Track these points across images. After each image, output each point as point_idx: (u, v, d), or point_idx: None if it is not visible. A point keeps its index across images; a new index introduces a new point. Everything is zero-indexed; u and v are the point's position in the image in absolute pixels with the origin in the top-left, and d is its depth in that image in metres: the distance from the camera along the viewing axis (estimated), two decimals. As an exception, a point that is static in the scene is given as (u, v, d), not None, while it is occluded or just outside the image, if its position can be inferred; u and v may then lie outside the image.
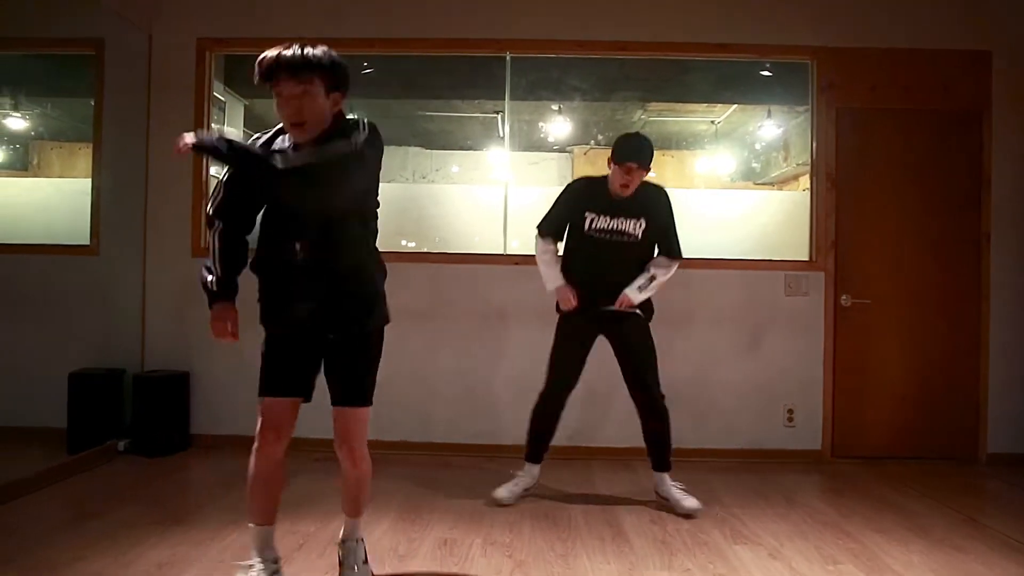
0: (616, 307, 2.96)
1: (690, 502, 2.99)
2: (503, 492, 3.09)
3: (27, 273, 4.02)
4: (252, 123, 6.35)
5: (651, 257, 3.07)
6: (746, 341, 3.97)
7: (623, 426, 3.74)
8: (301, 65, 1.83)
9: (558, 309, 3.13)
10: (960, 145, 3.99)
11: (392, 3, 4.07)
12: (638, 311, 3.02)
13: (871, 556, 2.56)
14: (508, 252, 4.09)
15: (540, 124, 7.69)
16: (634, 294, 2.96)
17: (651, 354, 3.04)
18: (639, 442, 3.83)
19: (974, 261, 3.97)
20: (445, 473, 3.59)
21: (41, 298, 4.02)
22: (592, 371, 3.12)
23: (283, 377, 2.02)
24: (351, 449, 2.07)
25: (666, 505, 3.04)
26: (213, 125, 4.25)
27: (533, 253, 4.05)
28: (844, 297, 3.96)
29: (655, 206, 3.01)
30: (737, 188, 7.87)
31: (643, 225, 2.98)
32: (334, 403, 2.06)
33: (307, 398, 2.06)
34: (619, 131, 8.21)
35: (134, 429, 3.85)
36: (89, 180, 4.12)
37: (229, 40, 4.11)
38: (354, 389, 2.06)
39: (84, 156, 7.03)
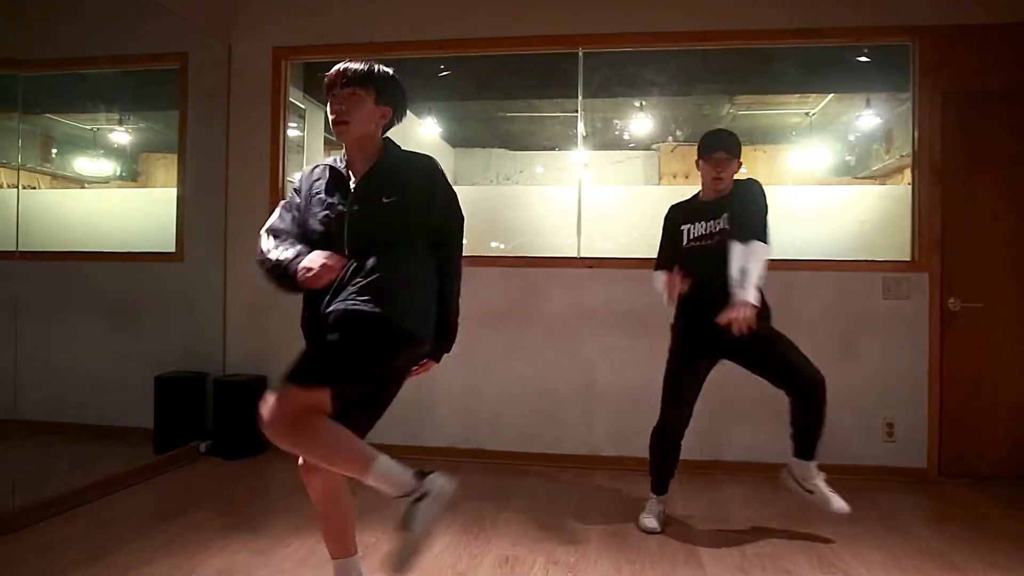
0: (739, 332, 2.48)
1: (839, 503, 2.72)
2: (648, 521, 2.84)
3: (120, 280, 4.21)
4: (330, 131, 6.49)
5: None
6: (840, 348, 3.66)
7: (704, 437, 3.54)
8: (354, 72, 1.93)
9: (673, 334, 2.90)
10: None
11: (460, 4, 4.00)
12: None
13: (981, 595, 2.28)
14: (581, 255, 3.95)
15: (621, 121, 7.48)
16: (746, 297, 2.49)
17: (790, 347, 2.72)
18: (722, 455, 3.63)
19: (1108, 259, 3.52)
20: (515, 483, 3.49)
21: (133, 304, 4.20)
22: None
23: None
24: None
25: (806, 499, 2.78)
26: (290, 131, 4.33)
27: (607, 256, 3.95)
28: (952, 301, 3.59)
29: (739, 197, 2.75)
30: (834, 183, 7.40)
31: (726, 218, 2.71)
32: None
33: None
34: (706, 126, 7.95)
35: (215, 431, 3.95)
36: (175, 189, 4.28)
37: (303, 48, 4.17)
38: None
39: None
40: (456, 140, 9.13)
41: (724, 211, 2.75)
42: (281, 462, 3.80)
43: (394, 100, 2.00)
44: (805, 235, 3.95)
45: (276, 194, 4.11)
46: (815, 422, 2.73)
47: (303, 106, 5.07)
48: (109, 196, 6.17)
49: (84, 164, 7.97)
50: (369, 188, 1.92)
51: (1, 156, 7.30)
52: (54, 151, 7.66)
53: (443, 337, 2.06)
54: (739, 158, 2.80)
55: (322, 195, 1.97)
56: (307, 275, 1.80)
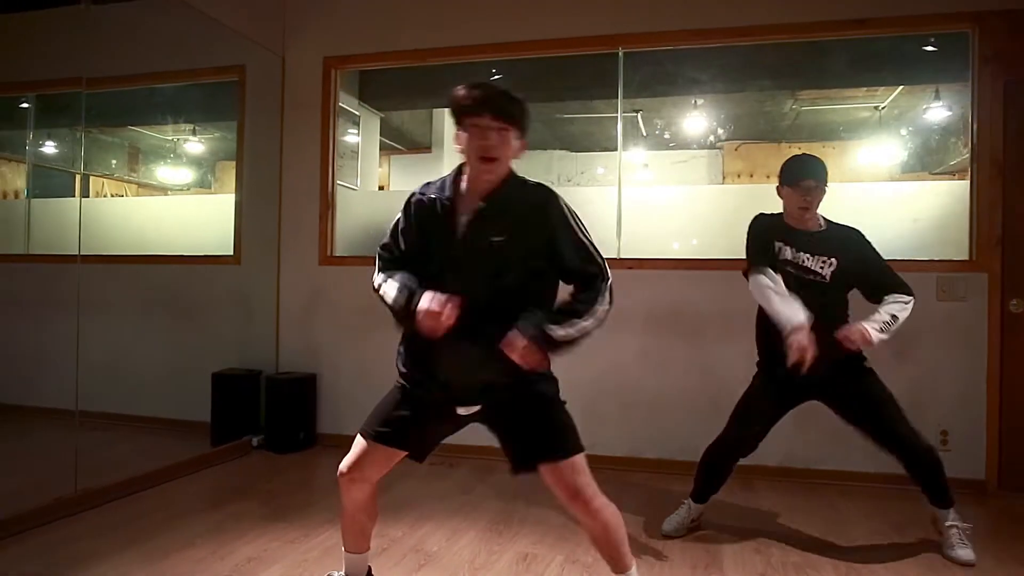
0: (846, 342, 2.51)
1: (964, 552, 2.55)
2: (670, 525, 2.83)
3: (182, 282, 4.46)
4: (388, 134, 6.67)
5: (842, 306, 2.68)
6: (890, 353, 3.49)
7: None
8: (508, 104, 1.76)
9: (762, 354, 2.76)
10: None
11: (500, 9, 4.05)
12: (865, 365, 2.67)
13: (1019, 614, 2.15)
14: (621, 256, 3.93)
15: (679, 120, 7.36)
16: (874, 332, 2.50)
17: (891, 401, 2.62)
18: (762, 460, 3.58)
19: None
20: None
21: (194, 304, 4.45)
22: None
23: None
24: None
25: (939, 540, 2.67)
26: (347, 137, 4.49)
27: (647, 256, 3.91)
28: (1014, 302, 3.38)
29: (849, 245, 2.64)
30: (908, 180, 7.06)
31: (833, 266, 2.59)
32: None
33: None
34: (768, 124, 7.79)
35: (267, 426, 4.14)
36: (233, 196, 4.50)
37: (352, 57, 4.31)
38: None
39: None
40: (516, 142, 9.19)
41: (833, 255, 2.61)
42: (326, 457, 3.96)
43: (527, 132, 1.84)
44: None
45: (326, 200, 4.27)
46: (930, 480, 2.64)
47: (358, 113, 5.24)
48: (174, 202, 6.53)
49: (166, 173, 8.49)
50: (479, 225, 1.78)
51: (96, 167, 7.86)
52: (139, 161, 8.19)
53: None
54: (825, 187, 2.62)
55: (430, 227, 1.84)
56: (427, 325, 1.70)
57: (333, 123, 4.33)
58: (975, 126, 3.49)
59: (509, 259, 1.76)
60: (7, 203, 5.62)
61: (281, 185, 4.36)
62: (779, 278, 2.56)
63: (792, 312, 2.44)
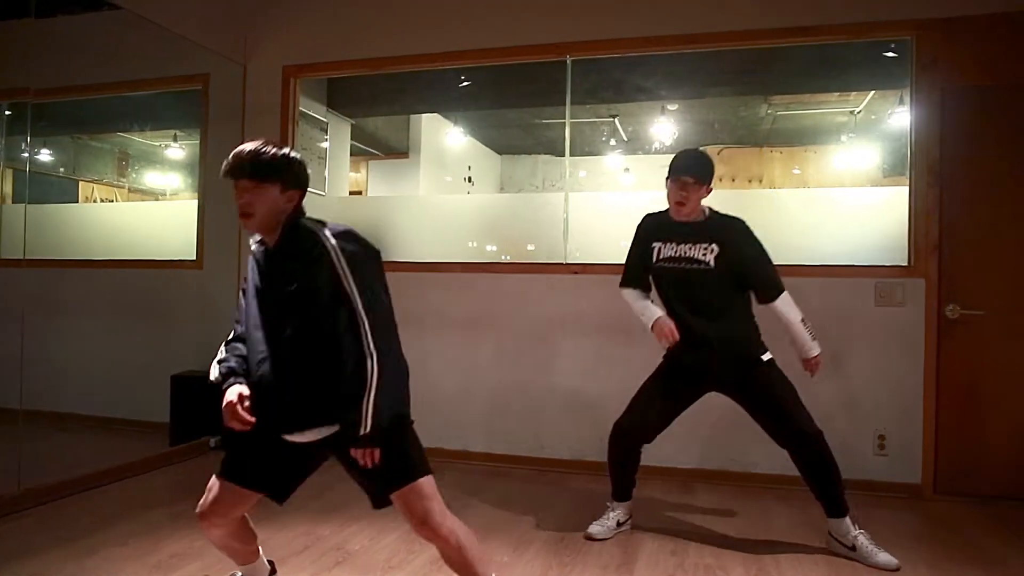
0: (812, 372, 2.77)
1: (885, 557, 2.56)
2: (595, 528, 2.86)
3: (147, 285, 4.55)
4: (363, 140, 6.75)
5: (732, 291, 2.73)
6: (829, 357, 3.52)
7: (681, 443, 3.53)
8: (252, 166, 1.87)
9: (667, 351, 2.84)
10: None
11: (453, 18, 4.12)
12: (763, 357, 2.73)
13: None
14: (568, 261, 3.98)
15: (655, 126, 7.39)
16: (813, 348, 2.73)
17: (790, 395, 2.68)
18: (701, 463, 3.62)
19: None
20: (490, 484, 3.57)
21: (157, 308, 4.54)
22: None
23: None
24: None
25: (848, 555, 2.62)
26: (316, 143, 4.57)
27: (593, 261, 3.96)
28: (950, 308, 3.41)
29: (730, 233, 2.72)
30: (887, 183, 7.06)
31: (715, 251, 2.68)
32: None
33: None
34: (747, 129, 7.80)
35: (225, 427, 4.20)
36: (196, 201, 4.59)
37: (311, 65, 4.39)
38: None
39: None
40: (501, 147, 9.28)
41: (708, 239, 2.70)
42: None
43: (298, 180, 1.90)
44: (797, 240, 3.83)
45: (284, 204, 4.34)
46: (823, 476, 2.66)
47: (326, 120, 5.32)
48: (143, 208, 6.64)
49: (153, 178, 8.61)
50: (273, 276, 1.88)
51: (87, 173, 7.98)
52: (128, 166, 8.30)
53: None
54: (708, 185, 2.70)
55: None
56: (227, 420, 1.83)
57: (293, 130, 4.41)
58: (913, 133, 3.52)
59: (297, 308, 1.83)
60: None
61: (242, 191, 4.44)
62: (638, 293, 2.86)
63: (650, 312, 2.79)
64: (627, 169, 8.66)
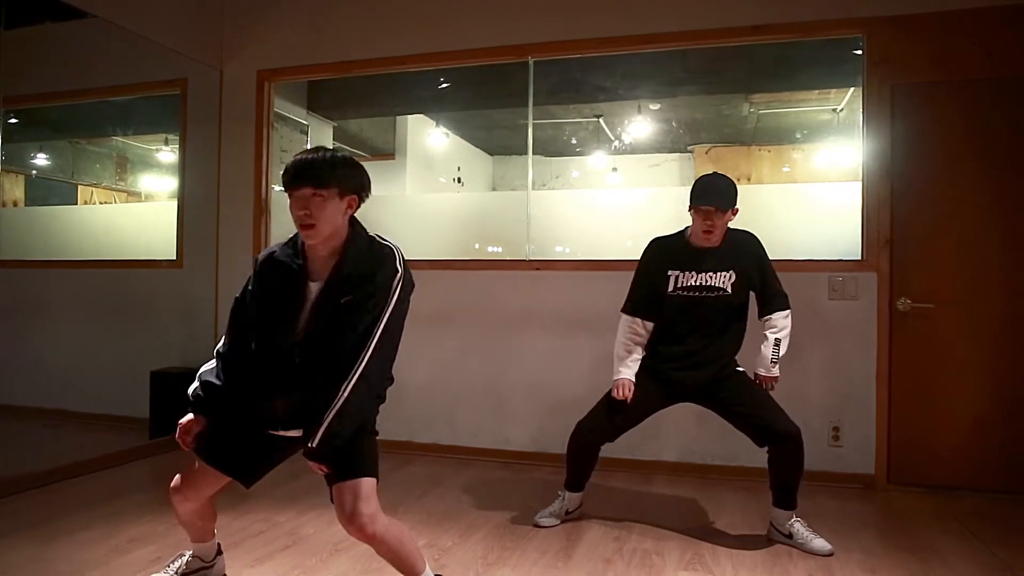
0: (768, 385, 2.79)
1: (820, 543, 2.63)
2: (544, 516, 2.94)
3: (128, 285, 4.68)
4: (348, 141, 6.87)
5: (737, 312, 2.80)
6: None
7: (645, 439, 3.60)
8: (313, 173, 1.89)
9: (649, 356, 2.88)
10: (1057, 118, 3.33)
11: (419, 22, 4.21)
12: (738, 368, 2.83)
13: (828, 596, 2.25)
14: (530, 258, 4.06)
15: (644, 125, 7.46)
16: (775, 370, 2.77)
17: (767, 398, 2.76)
18: (661, 455, 3.68)
19: (1076, 257, 3.29)
20: (452, 475, 3.65)
21: (139, 306, 4.67)
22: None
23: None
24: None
25: (785, 542, 2.71)
26: (296, 145, 4.69)
27: (551, 258, 4.04)
28: (902, 301, 3.46)
29: (747, 253, 2.76)
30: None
31: (733, 278, 2.72)
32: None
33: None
34: (733, 127, 7.84)
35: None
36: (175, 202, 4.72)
37: (283, 69, 4.50)
38: None
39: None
40: (492, 148, 9.37)
41: (727, 267, 2.73)
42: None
43: (358, 184, 1.94)
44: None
45: (259, 205, 4.46)
46: (795, 472, 2.72)
47: (306, 122, 5.44)
48: (126, 210, 6.79)
49: (150, 182, 8.77)
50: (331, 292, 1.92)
51: (85, 177, 8.15)
52: (126, 170, 8.46)
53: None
54: (733, 207, 2.68)
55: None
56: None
57: (267, 132, 4.52)
58: (864, 128, 3.58)
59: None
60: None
61: (219, 191, 4.56)
62: (637, 327, 2.81)
63: (623, 368, 2.79)
64: (615, 169, 8.73)
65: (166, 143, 7.36)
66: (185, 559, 2.28)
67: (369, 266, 1.91)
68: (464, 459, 3.97)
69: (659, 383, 2.80)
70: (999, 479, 3.34)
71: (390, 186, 7.22)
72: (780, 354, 2.76)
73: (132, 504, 3.11)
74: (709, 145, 8.67)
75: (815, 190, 4.65)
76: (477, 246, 4.60)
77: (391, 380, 2.03)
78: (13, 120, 5.81)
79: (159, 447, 4.09)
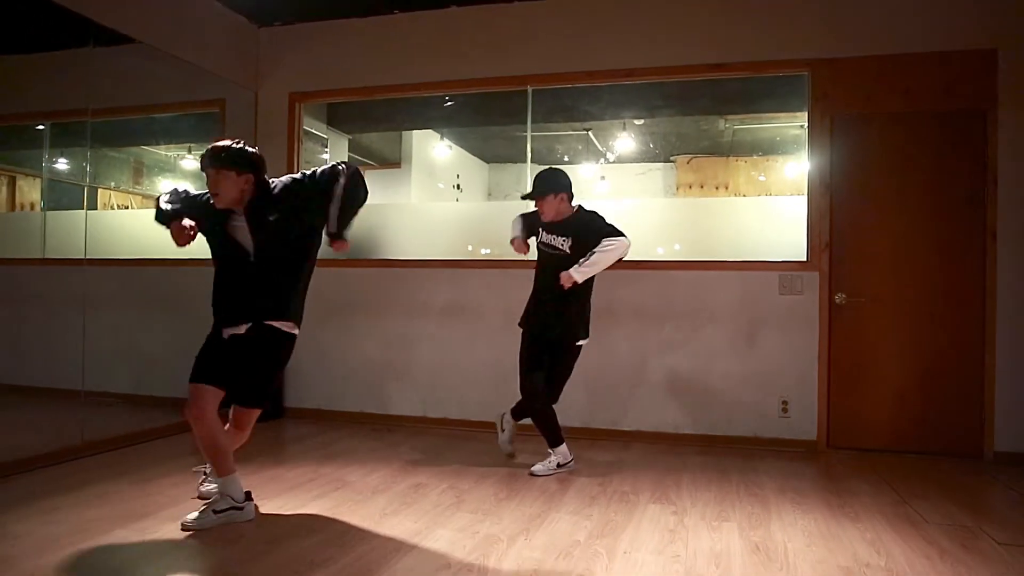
0: (564, 281, 3.48)
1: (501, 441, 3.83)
2: (538, 467, 3.61)
3: (177, 281, 5.28)
4: (360, 152, 7.52)
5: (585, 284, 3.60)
6: (742, 336, 4.29)
7: (630, 410, 4.28)
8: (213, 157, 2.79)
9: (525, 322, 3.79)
10: (964, 144, 4.03)
11: (432, 55, 4.87)
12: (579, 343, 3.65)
13: (762, 520, 2.92)
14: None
15: (630, 138, 8.15)
16: (575, 273, 3.46)
17: (565, 373, 3.72)
18: (634, 426, 4.32)
19: (979, 259, 3.99)
20: (461, 444, 4.30)
21: (185, 299, 5.27)
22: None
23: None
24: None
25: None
26: (317, 156, 5.32)
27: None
28: (839, 296, 4.15)
29: (581, 224, 3.57)
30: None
31: (570, 241, 3.55)
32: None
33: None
34: (711, 140, 8.55)
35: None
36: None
37: (313, 93, 5.15)
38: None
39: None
40: (489, 156, 10.04)
41: (566, 234, 3.55)
42: (291, 425, 4.77)
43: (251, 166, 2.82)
44: (720, 240, 4.58)
45: (291, 211, 5.09)
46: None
47: (326, 136, 6.09)
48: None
49: (165, 186, 9.37)
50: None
51: (105, 181, 8.75)
52: (143, 175, 9.05)
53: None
54: (551, 194, 3.56)
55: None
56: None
57: (297, 147, 5.16)
58: (809, 151, 4.27)
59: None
60: (28, 214, 6.44)
61: (255, 199, 5.19)
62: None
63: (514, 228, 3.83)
64: (603, 177, 9.40)
65: (189, 151, 7.99)
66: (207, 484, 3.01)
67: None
68: (468, 431, 4.61)
69: (531, 339, 3.70)
70: (916, 442, 4.04)
71: (397, 192, 7.87)
72: (589, 264, 3.44)
73: (199, 461, 3.74)
74: (690, 156, 9.38)
75: (769, 202, 5.34)
76: (486, 251, 5.25)
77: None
78: (39, 127, 6.46)
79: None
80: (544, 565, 2.42)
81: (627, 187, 9.76)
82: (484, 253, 5.18)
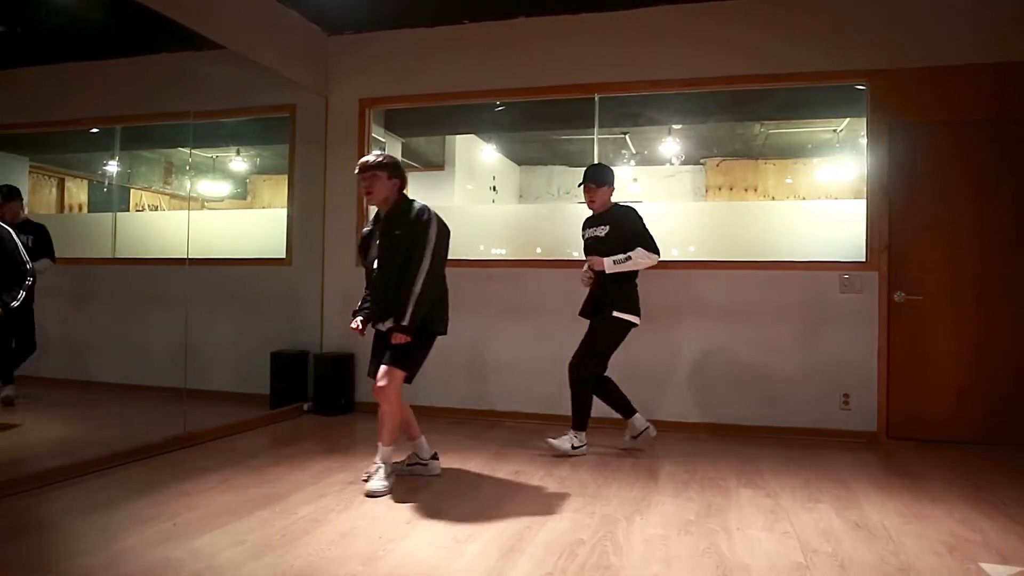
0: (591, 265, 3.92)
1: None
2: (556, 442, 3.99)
3: (245, 279, 5.48)
4: (407, 155, 7.72)
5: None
6: (805, 333, 4.51)
7: (696, 403, 4.50)
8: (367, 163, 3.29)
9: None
10: (1014, 151, 4.26)
11: (502, 61, 5.08)
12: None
13: (851, 502, 3.14)
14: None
15: (663, 141, 8.37)
16: (607, 263, 3.85)
17: (593, 341, 3.97)
18: (699, 418, 4.53)
19: (1033, 258, 4.23)
20: (538, 436, 4.50)
21: (254, 298, 5.48)
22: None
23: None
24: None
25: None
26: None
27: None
28: (898, 294, 4.37)
29: (616, 217, 3.95)
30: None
31: (607, 230, 3.93)
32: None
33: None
34: (743, 144, 8.78)
35: (315, 395, 5.16)
36: (285, 209, 5.55)
37: (382, 98, 5.36)
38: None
39: (286, 186, 8.88)
40: (521, 159, 10.26)
41: (605, 224, 3.94)
42: (362, 419, 4.98)
43: (399, 173, 3.31)
44: (781, 242, 4.81)
45: (362, 214, 5.30)
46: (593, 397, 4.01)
47: (384, 140, 6.29)
48: (242, 215, 7.61)
49: (205, 186, 9.59)
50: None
51: (139, 182, 8.95)
52: (172, 175, 9.26)
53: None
54: (606, 186, 3.99)
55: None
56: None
57: (368, 150, 5.36)
58: (869, 157, 4.49)
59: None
60: (99, 216, 6.60)
61: (325, 201, 5.40)
62: None
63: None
64: (635, 179, 9.62)
65: (237, 153, 8.19)
66: (377, 466, 3.24)
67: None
68: (538, 424, 4.81)
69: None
70: (975, 433, 4.26)
71: (440, 193, 8.07)
72: (621, 262, 3.84)
73: (300, 451, 3.95)
74: (720, 158, 9.62)
75: (823, 206, 5.57)
76: (539, 250, 5.47)
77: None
78: (95, 130, 6.66)
79: (284, 415, 4.92)
80: (670, 540, 2.63)
81: (657, 188, 9.98)
82: (538, 252, 5.40)
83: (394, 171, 3.28)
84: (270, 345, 5.25)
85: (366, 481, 3.22)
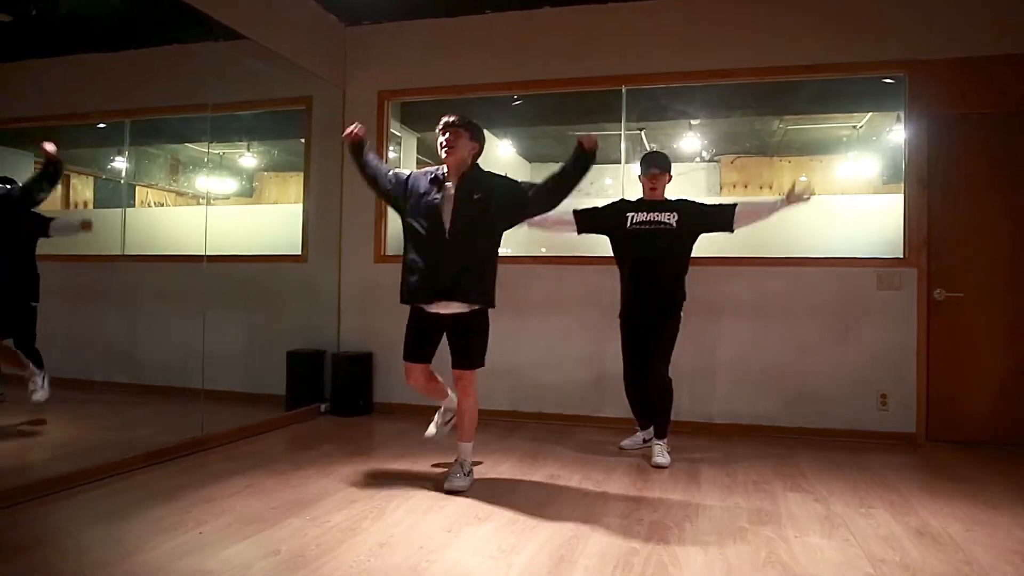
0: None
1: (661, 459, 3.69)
2: (627, 442, 4.02)
3: (259, 277, 5.33)
4: (424, 152, 7.57)
5: (686, 250, 3.80)
6: (841, 331, 4.37)
7: (726, 403, 4.36)
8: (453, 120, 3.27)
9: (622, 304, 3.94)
10: (1061, 143, 4.13)
11: (525, 53, 4.94)
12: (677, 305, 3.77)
13: (906, 507, 3.00)
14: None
15: (680, 137, 8.23)
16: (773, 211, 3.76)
17: (667, 340, 3.77)
18: (730, 419, 4.40)
19: (1076, 255, 4.09)
20: (566, 437, 4.37)
21: (268, 295, 5.32)
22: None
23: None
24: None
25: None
26: (391, 154, 5.40)
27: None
28: (937, 291, 4.24)
29: (684, 205, 3.82)
30: (887, 191, 7.87)
31: (676, 217, 3.75)
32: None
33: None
34: (760, 140, 8.64)
35: (332, 396, 5.02)
36: (300, 204, 5.40)
37: (402, 90, 5.22)
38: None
39: (293, 183, 8.70)
40: (532, 156, 10.10)
41: (672, 210, 3.76)
42: (381, 419, 4.84)
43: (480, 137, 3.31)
44: (815, 238, 4.68)
45: (379, 207, 5.15)
46: (661, 409, 3.77)
47: (400, 134, 6.14)
48: (253, 211, 7.47)
49: (208, 183, 9.40)
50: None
51: (144, 178, 8.79)
52: (178, 172, 9.10)
53: None
54: (668, 173, 3.91)
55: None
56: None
57: (386, 144, 5.23)
58: (906, 150, 4.35)
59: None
60: (107, 211, 6.43)
61: (342, 196, 5.26)
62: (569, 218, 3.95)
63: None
64: (649, 176, 9.46)
65: (248, 149, 8.03)
66: (441, 412, 3.53)
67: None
68: (566, 425, 4.67)
69: (627, 327, 3.90)
70: (1019, 435, 4.12)
71: (452, 191, 7.91)
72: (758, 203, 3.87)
73: (322, 454, 3.80)
74: (735, 155, 9.47)
75: (854, 201, 5.43)
76: (544, 249, 5.33)
77: None
78: (101, 125, 6.50)
79: (301, 416, 4.78)
80: (727, 549, 2.49)
81: (670, 186, 9.81)
82: (542, 251, 5.26)
83: (476, 134, 3.27)
84: (286, 344, 5.10)
85: (445, 474, 3.28)
